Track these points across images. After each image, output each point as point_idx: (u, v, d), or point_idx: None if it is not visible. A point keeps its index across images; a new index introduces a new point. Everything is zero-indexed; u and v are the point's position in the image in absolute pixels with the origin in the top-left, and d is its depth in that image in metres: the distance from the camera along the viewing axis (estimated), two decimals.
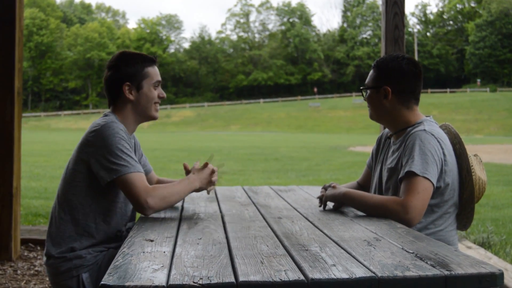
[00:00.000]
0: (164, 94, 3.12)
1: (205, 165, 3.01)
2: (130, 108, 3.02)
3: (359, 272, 1.66)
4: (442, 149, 2.83)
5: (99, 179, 2.76)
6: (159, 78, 3.09)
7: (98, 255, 2.82)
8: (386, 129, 3.28)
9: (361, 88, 3.18)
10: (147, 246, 2.05)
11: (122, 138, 2.78)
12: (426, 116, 3.08)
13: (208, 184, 2.98)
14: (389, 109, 3.04)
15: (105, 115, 2.98)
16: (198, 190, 2.94)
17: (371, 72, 3.15)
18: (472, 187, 2.94)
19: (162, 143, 33.55)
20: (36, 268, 5.24)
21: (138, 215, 2.92)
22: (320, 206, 3.08)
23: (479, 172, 3.01)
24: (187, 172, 3.07)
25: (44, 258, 2.89)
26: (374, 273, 1.66)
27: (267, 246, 2.06)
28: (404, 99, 3.04)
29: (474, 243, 6.29)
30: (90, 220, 2.85)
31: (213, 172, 3.00)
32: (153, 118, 3.11)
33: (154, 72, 3.06)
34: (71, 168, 2.89)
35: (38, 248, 5.95)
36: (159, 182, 3.40)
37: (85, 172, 2.83)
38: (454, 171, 2.91)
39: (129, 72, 2.98)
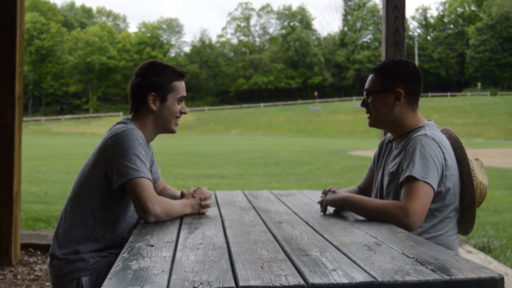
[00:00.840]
0: (186, 110, 3.17)
1: (196, 191, 3.03)
2: (151, 118, 3.05)
3: (360, 277, 1.66)
4: (443, 153, 2.82)
5: (112, 184, 2.78)
6: (185, 94, 3.12)
7: (100, 260, 2.82)
8: (389, 134, 3.27)
9: (371, 91, 3.08)
10: (148, 251, 2.05)
11: (140, 144, 2.80)
12: (428, 120, 3.08)
13: (199, 209, 2.99)
14: (398, 112, 3.03)
15: (123, 122, 2.99)
16: (190, 214, 2.96)
17: (373, 76, 3.11)
18: (473, 192, 2.94)
19: (163, 147, 33.55)
20: (36, 273, 5.24)
21: None
22: (321, 211, 3.07)
23: (480, 176, 3.01)
24: (182, 196, 3.09)
25: (48, 259, 2.90)
26: (374, 278, 1.66)
27: (268, 251, 2.06)
28: (412, 102, 3.05)
29: (475, 247, 6.29)
30: (99, 226, 2.87)
31: (205, 198, 3.01)
32: (172, 131, 3.15)
33: (181, 87, 3.09)
34: (87, 172, 2.91)
35: (38, 253, 5.94)
36: (165, 189, 3.43)
37: (101, 177, 2.84)
38: (455, 176, 2.91)
39: (156, 83, 3.01)
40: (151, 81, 3.00)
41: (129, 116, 3.11)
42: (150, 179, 2.76)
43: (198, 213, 2.98)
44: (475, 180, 2.94)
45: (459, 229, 3.07)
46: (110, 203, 2.87)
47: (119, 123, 3.00)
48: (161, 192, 3.33)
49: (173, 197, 3.18)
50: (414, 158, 2.76)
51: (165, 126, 3.09)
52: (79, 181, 2.94)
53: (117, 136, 2.80)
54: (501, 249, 6.58)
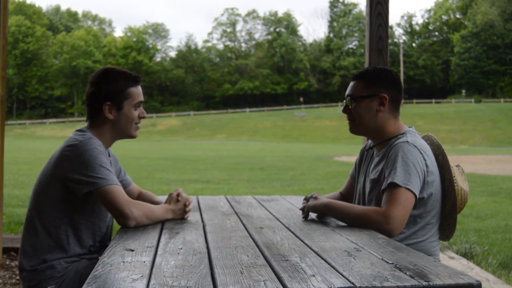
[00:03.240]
0: (145, 114, 3.10)
1: (179, 196, 3.02)
2: (109, 127, 3.00)
3: (338, 283, 1.66)
4: (425, 160, 2.83)
5: (75, 191, 2.75)
6: (141, 99, 3.06)
7: (69, 266, 2.80)
8: (369, 140, 3.28)
9: (355, 97, 3.07)
10: (127, 256, 2.04)
11: (101, 153, 2.77)
12: (409, 127, 3.09)
13: (183, 214, 2.99)
14: (380, 118, 3.03)
15: (81, 131, 2.95)
16: (171, 219, 2.94)
17: (356, 82, 3.09)
18: (455, 198, 2.95)
19: (148, 152, 33.41)
20: (18, 277, 5.20)
21: (114, 232, 2.91)
22: (303, 217, 3.08)
23: (461, 182, 3.02)
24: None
25: (18, 272, 2.87)
26: (352, 283, 1.66)
27: (248, 256, 2.06)
28: (395, 108, 3.06)
29: (457, 253, 6.31)
30: (62, 233, 2.83)
31: (189, 203, 3.02)
32: (132, 137, 3.10)
33: (137, 92, 3.03)
34: (44, 181, 2.87)
35: None
36: (140, 194, 3.40)
37: (59, 186, 2.80)
38: (437, 182, 2.92)
39: (110, 92, 2.95)
40: (105, 90, 2.94)
41: (86, 126, 3.06)
42: (118, 185, 2.75)
43: (181, 218, 2.98)
44: (456, 186, 2.95)
45: (440, 235, 3.08)
46: (71, 210, 2.84)
47: (75, 132, 2.95)
48: (138, 198, 3.30)
49: (151, 202, 3.16)
50: (396, 165, 2.77)
51: (123, 132, 3.04)
52: (36, 190, 2.91)
53: (76, 148, 2.77)
54: (483, 255, 6.60)
